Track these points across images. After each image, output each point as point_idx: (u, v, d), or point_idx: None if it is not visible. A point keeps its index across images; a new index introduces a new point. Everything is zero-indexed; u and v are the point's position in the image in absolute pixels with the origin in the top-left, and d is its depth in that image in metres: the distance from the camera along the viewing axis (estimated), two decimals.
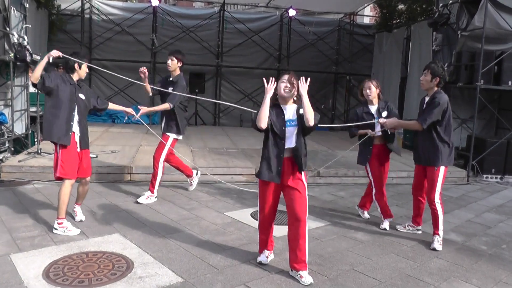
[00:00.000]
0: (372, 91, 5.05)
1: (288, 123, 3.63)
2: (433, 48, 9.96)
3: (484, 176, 8.32)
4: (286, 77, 3.66)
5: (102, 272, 3.60)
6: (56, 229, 4.41)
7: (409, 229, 4.99)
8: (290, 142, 3.63)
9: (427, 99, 4.60)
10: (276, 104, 3.69)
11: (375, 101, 5.10)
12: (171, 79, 5.73)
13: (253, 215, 5.32)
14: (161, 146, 5.76)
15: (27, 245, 4.08)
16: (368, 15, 16.90)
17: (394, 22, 13.16)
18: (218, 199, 6.02)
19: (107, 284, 3.40)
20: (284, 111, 3.68)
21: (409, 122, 4.60)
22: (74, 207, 4.88)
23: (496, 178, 8.35)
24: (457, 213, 5.97)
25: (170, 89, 5.57)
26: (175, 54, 5.69)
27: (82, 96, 4.58)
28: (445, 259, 4.28)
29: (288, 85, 3.61)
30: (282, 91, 3.63)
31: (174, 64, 5.68)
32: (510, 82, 8.42)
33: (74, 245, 4.13)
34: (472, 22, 8.35)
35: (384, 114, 4.99)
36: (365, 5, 14.47)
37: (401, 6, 13.03)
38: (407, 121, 4.70)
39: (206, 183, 6.79)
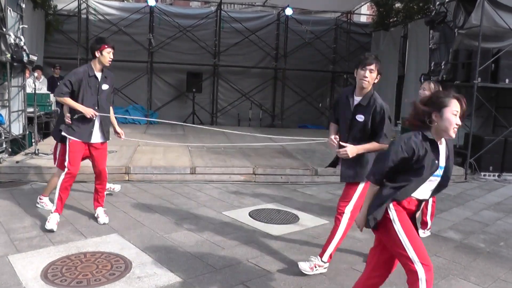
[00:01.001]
0: (425, 93, 4.53)
1: (439, 171, 2.61)
2: (430, 46, 9.98)
3: (482, 173, 8.33)
4: (457, 105, 2.52)
5: (101, 272, 3.59)
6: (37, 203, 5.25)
7: None
8: (427, 194, 2.70)
9: (357, 99, 3.64)
10: (431, 140, 2.57)
11: None
12: (103, 75, 4.74)
13: (251, 215, 5.32)
14: (106, 156, 4.95)
15: (25, 246, 4.07)
16: (365, 13, 16.89)
17: (391, 20, 13.18)
18: (216, 199, 6.02)
19: (106, 285, 3.39)
20: (439, 152, 2.60)
21: (372, 146, 3.54)
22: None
23: (493, 175, 8.36)
24: (455, 211, 5.98)
25: (106, 87, 4.75)
26: None
27: None
28: (443, 257, 4.29)
29: (459, 122, 2.53)
30: (451, 129, 2.52)
31: None
32: (507, 80, 8.42)
33: (72, 246, 4.12)
34: (469, 20, 8.36)
35: None
36: (362, 3, 14.46)
37: (398, 5, 13.05)
38: (367, 146, 3.54)
39: (204, 183, 6.80)
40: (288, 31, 14.16)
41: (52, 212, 4.55)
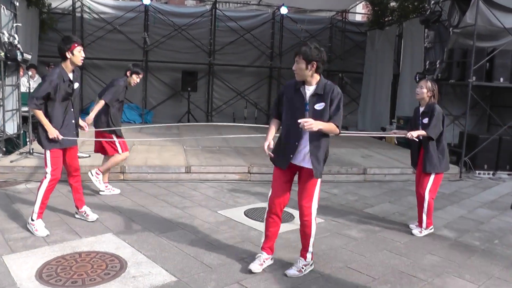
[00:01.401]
0: (422, 91, 4.75)
1: None
2: (425, 45, 10.01)
3: (477, 172, 8.37)
4: None
5: (96, 272, 3.58)
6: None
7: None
8: None
9: (310, 88, 3.57)
10: None
11: (422, 102, 4.83)
12: (74, 75, 4.52)
13: (246, 213, 5.32)
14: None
15: (19, 246, 4.05)
16: (360, 12, 16.92)
17: (386, 19, 13.20)
18: (211, 198, 6.01)
19: (101, 284, 3.39)
20: None
21: (329, 126, 3.49)
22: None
23: (488, 174, 8.40)
24: (450, 209, 6.00)
25: (77, 85, 4.53)
26: None
27: None
28: (438, 255, 4.31)
29: None
30: None
31: None
32: (501, 79, 8.46)
33: (67, 245, 4.10)
34: (463, 19, 8.39)
35: (425, 120, 4.72)
36: (357, 2, 14.48)
37: (393, 4, 13.06)
38: (326, 123, 3.47)
39: (199, 182, 6.79)
40: (283, 30, 14.16)
41: (35, 220, 4.38)
